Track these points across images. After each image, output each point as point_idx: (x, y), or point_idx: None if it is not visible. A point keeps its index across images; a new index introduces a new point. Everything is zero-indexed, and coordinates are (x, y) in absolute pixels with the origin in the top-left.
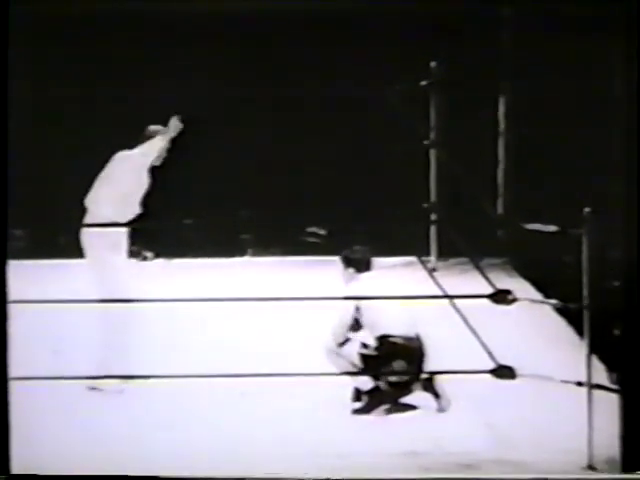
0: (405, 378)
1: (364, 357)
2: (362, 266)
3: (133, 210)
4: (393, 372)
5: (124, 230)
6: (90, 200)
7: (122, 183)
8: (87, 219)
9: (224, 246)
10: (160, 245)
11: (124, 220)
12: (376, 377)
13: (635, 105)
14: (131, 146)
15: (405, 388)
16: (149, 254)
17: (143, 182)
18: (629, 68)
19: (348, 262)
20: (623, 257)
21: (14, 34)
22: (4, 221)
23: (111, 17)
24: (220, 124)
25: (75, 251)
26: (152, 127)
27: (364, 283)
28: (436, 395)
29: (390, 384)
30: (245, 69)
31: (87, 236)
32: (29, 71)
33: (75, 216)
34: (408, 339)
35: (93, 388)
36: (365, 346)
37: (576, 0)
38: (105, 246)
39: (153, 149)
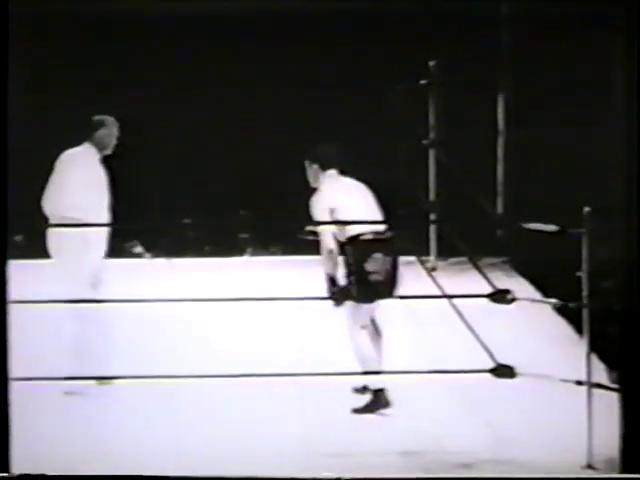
0: (387, 268)
1: (358, 283)
2: (327, 163)
3: (101, 206)
4: (374, 272)
5: (99, 229)
6: (50, 204)
7: (80, 181)
8: (53, 222)
9: (223, 246)
10: (159, 244)
11: (95, 217)
12: (363, 283)
13: (635, 105)
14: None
15: (393, 280)
16: (141, 250)
17: (100, 176)
18: (629, 67)
19: (314, 158)
20: (623, 256)
21: (14, 34)
22: (4, 222)
23: (108, 17)
24: (219, 124)
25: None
26: (97, 117)
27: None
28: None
29: (376, 283)
30: (245, 69)
31: (57, 237)
32: (28, 74)
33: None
34: (377, 233)
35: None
36: (349, 274)
37: None
38: (79, 246)
39: (100, 141)
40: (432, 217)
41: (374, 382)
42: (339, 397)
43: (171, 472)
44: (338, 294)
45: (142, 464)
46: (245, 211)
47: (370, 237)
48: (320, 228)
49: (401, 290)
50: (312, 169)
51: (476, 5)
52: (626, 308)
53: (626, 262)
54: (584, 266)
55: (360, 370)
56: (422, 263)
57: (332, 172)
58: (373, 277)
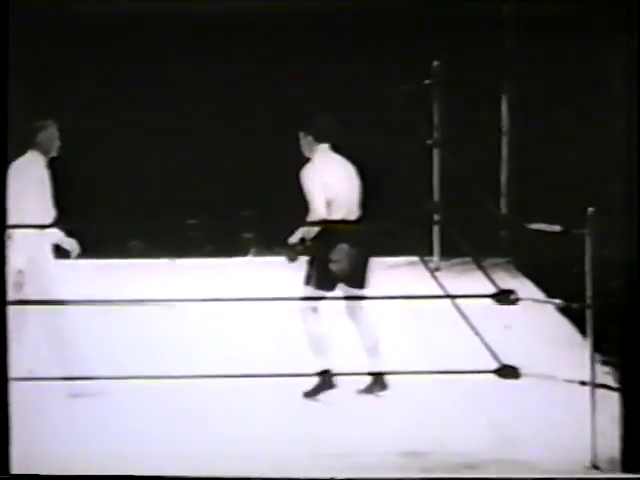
0: (351, 259)
1: (317, 269)
2: (321, 135)
3: (49, 210)
4: (336, 261)
5: (51, 231)
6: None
7: (24, 189)
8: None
9: (226, 245)
10: (162, 244)
11: (36, 220)
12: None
13: (635, 105)
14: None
15: (356, 272)
16: (137, 245)
17: (44, 180)
18: (629, 67)
19: (308, 130)
20: (624, 256)
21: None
22: (4, 221)
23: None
24: (222, 124)
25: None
26: (36, 123)
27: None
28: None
29: (337, 271)
30: (246, 68)
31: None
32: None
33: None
34: (348, 223)
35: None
36: (312, 259)
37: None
38: (35, 249)
39: (43, 146)
40: (436, 217)
41: (322, 363)
42: (341, 397)
43: (171, 472)
44: (292, 250)
45: (141, 464)
46: (248, 211)
47: (340, 226)
48: (311, 194)
49: (403, 290)
50: (306, 140)
51: (480, 5)
52: (627, 308)
53: (626, 262)
54: (587, 266)
55: (310, 351)
56: (425, 263)
57: (325, 146)
58: (334, 266)
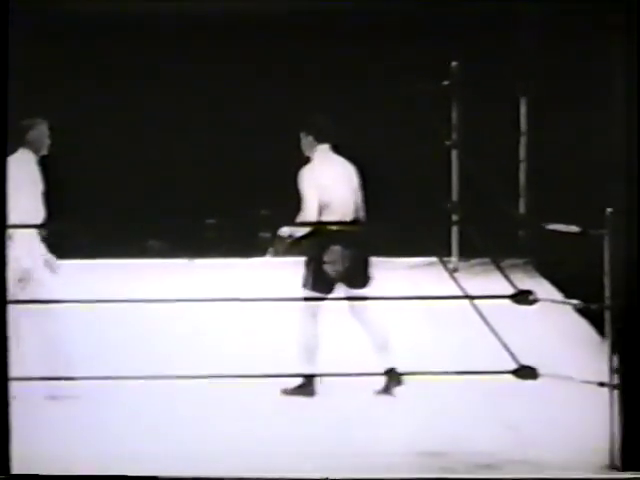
0: (346, 260)
1: (313, 271)
2: (322, 135)
3: (40, 209)
4: (330, 263)
5: (35, 233)
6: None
7: (25, 187)
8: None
9: (244, 245)
10: (180, 244)
11: (30, 218)
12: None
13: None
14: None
15: (355, 273)
16: (155, 244)
17: (35, 178)
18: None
19: (308, 129)
20: (624, 256)
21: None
22: (4, 221)
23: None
24: (237, 124)
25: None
26: (25, 121)
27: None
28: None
29: (332, 273)
30: (262, 67)
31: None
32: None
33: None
34: (344, 223)
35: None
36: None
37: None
38: (22, 252)
39: (33, 144)
40: (454, 218)
41: (309, 368)
42: (356, 397)
43: (170, 472)
44: (278, 242)
45: (141, 464)
46: (266, 210)
47: (334, 228)
48: (305, 196)
49: (422, 291)
50: (307, 140)
51: (499, 6)
52: (628, 306)
53: (626, 262)
54: (606, 267)
55: (301, 355)
56: (444, 264)
57: (325, 147)
58: (329, 268)
